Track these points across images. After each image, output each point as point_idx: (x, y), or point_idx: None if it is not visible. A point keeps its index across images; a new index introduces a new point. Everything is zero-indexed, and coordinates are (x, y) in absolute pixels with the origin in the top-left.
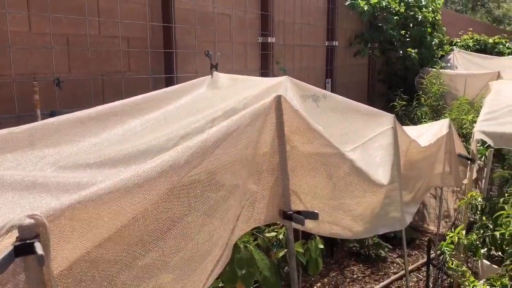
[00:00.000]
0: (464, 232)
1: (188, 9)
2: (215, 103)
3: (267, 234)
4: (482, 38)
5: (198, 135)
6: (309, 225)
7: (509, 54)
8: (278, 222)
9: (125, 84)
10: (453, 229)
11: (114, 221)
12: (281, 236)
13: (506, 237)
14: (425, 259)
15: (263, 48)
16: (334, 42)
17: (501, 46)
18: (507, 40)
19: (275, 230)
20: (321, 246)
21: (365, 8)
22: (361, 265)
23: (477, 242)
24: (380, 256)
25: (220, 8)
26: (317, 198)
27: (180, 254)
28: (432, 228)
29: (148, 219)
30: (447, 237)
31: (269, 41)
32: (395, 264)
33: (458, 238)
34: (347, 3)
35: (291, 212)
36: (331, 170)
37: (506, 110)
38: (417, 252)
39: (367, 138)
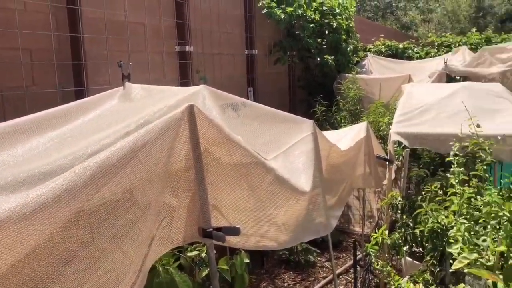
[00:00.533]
0: (387, 232)
1: (97, 18)
2: (128, 116)
3: (189, 253)
4: (393, 44)
5: (100, 153)
6: (233, 240)
7: (417, 58)
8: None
9: (29, 100)
10: (377, 230)
11: None
12: (203, 255)
13: (425, 234)
14: (352, 261)
15: (181, 57)
16: (254, 50)
17: (410, 51)
18: (415, 45)
19: (198, 248)
20: (247, 261)
21: (282, 17)
22: (291, 272)
23: (400, 241)
24: (310, 262)
25: (133, 16)
26: (240, 211)
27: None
28: (358, 229)
29: (41, 254)
30: (372, 239)
31: (187, 50)
32: (324, 268)
33: (382, 238)
34: (264, 11)
35: (211, 229)
36: (253, 180)
37: (418, 111)
38: (344, 254)
39: (288, 145)
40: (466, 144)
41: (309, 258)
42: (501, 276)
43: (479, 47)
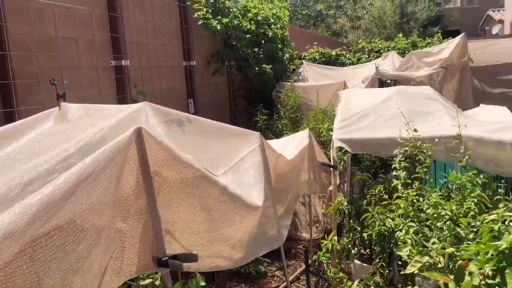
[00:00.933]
0: (336, 237)
1: (25, 34)
2: (66, 139)
3: (142, 282)
4: (326, 51)
5: (43, 187)
6: (189, 265)
7: (350, 64)
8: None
9: None
10: (326, 236)
11: None
12: (157, 282)
13: (374, 237)
14: (303, 267)
15: (117, 72)
16: (192, 62)
17: (342, 57)
18: (347, 52)
19: (151, 276)
20: (203, 284)
21: (218, 28)
22: (243, 284)
23: (349, 246)
24: (261, 272)
25: (64, 31)
26: (193, 234)
27: None
28: (305, 234)
29: None
30: (322, 246)
31: (123, 64)
32: (275, 278)
33: (331, 244)
34: (200, 22)
35: (167, 258)
36: (206, 201)
37: (357, 117)
38: (294, 262)
39: (237, 159)
40: (406, 148)
41: (260, 269)
42: (452, 277)
43: (406, 52)
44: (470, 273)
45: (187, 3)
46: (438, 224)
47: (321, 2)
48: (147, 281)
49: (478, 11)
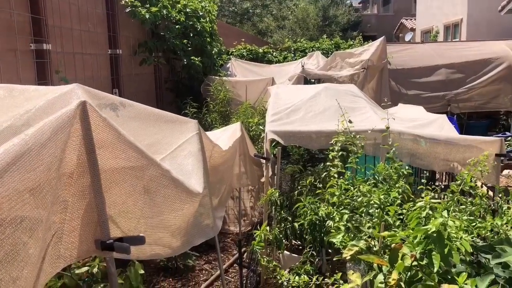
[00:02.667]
0: (268, 228)
1: None
2: None
3: (77, 271)
4: (254, 48)
5: None
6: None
7: (276, 62)
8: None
9: None
10: (259, 227)
11: None
12: (95, 270)
13: (305, 227)
14: (231, 260)
15: (38, 56)
16: (118, 50)
17: (269, 55)
18: (274, 50)
19: (88, 264)
20: (142, 271)
21: (147, 16)
22: (170, 279)
23: (280, 236)
24: (189, 266)
25: None
26: (135, 219)
27: None
28: (233, 228)
29: None
30: (256, 236)
31: (44, 48)
32: (204, 271)
33: (264, 235)
34: (128, 10)
35: (112, 240)
36: (148, 184)
37: (288, 111)
38: (222, 255)
39: (175, 146)
40: (341, 139)
41: (188, 263)
42: (386, 260)
43: (330, 52)
44: (403, 256)
45: None
46: (370, 212)
47: (248, 0)
48: (83, 269)
49: (393, 18)
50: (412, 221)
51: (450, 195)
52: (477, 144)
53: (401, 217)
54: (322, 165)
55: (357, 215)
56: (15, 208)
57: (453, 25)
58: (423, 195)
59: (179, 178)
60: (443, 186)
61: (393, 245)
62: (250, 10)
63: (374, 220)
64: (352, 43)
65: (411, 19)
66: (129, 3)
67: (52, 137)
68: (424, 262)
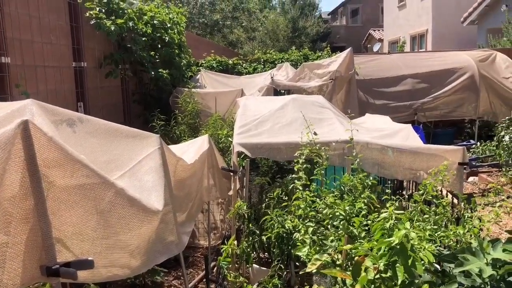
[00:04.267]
0: (236, 242)
1: None
2: None
3: None
4: (223, 59)
5: None
6: (83, 275)
7: (246, 73)
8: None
9: None
10: (226, 241)
11: None
12: None
13: (273, 240)
14: (201, 275)
15: None
16: (83, 63)
17: (239, 66)
18: (244, 61)
19: None
20: None
21: (112, 28)
22: None
23: (248, 249)
24: (157, 283)
25: None
26: (87, 241)
27: None
28: (203, 242)
29: None
30: (222, 251)
31: (3, 61)
32: (172, 287)
33: (231, 249)
34: (92, 22)
35: (58, 265)
36: (100, 204)
37: (255, 123)
38: (192, 270)
39: (135, 162)
40: (306, 151)
41: (156, 279)
42: (349, 273)
43: (299, 63)
44: (366, 268)
45: (78, 0)
46: (334, 224)
47: (218, 12)
48: None
49: (361, 29)
50: (376, 233)
51: (414, 204)
52: (440, 153)
53: (367, 227)
54: (290, 176)
55: (322, 228)
56: None
57: (419, 36)
58: (388, 205)
59: (136, 196)
60: (408, 195)
61: (355, 258)
62: (220, 22)
63: (339, 232)
64: (320, 54)
65: (379, 30)
66: (94, 15)
67: None
68: (388, 274)
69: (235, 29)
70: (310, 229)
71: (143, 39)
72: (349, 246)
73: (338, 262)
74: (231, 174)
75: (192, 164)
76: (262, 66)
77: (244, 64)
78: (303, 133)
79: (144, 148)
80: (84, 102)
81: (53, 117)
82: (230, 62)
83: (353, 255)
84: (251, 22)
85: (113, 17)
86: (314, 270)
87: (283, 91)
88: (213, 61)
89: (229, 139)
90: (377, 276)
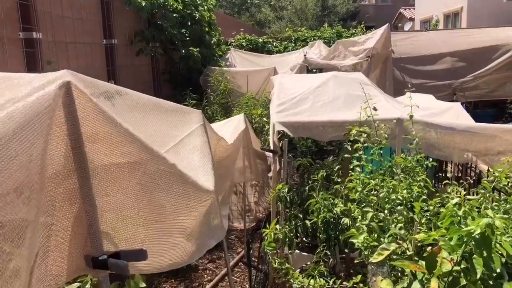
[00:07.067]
0: (277, 226)
1: None
2: None
3: (66, 287)
4: (253, 38)
5: None
6: (140, 265)
7: (277, 52)
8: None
9: None
10: (268, 225)
11: None
12: (87, 286)
13: (319, 225)
14: (236, 259)
15: (27, 45)
16: (113, 40)
17: (269, 45)
18: (274, 39)
19: (80, 279)
20: (143, 285)
21: (143, 4)
22: (172, 280)
23: (291, 234)
24: (192, 266)
25: None
26: (140, 225)
27: None
28: (236, 224)
29: None
30: (264, 235)
31: (34, 36)
32: (207, 271)
33: (274, 233)
34: None
35: (105, 256)
36: (156, 183)
37: (294, 101)
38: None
39: (178, 139)
40: (367, 129)
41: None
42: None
43: (332, 41)
44: (441, 260)
45: None
46: (397, 209)
47: None
48: (74, 285)
49: (391, 8)
50: (446, 220)
51: (482, 191)
52: (500, 133)
53: (427, 214)
54: (331, 157)
55: (381, 213)
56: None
57: (453, 14)
58: (449, 190)
59: (188, 173)
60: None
61: (429, 249)
62: (248, 1)
63: (399, 218)
64: (354, 31)
65: (409, 9)
66: None
67: (28, 124)
68: (462, 266)
69: (263, 7)
70: (369, 215)
71: (174, 15)
72: (422, 235)
73: (408, 253)
74: (269, 155)
75: (232, 144)
76: (293, 44)
77: (274, 43)
78: (362, 108)
79: (186, 124)
80: (114, 80)
81: (91, 89)
82: (260, 40)
83: (420, 244)
84: (279, 0)
85: None
86: (379, 261)
87: (315, 69)
88: (243, 40)
89: (264, 119)
90: (455, 268)
